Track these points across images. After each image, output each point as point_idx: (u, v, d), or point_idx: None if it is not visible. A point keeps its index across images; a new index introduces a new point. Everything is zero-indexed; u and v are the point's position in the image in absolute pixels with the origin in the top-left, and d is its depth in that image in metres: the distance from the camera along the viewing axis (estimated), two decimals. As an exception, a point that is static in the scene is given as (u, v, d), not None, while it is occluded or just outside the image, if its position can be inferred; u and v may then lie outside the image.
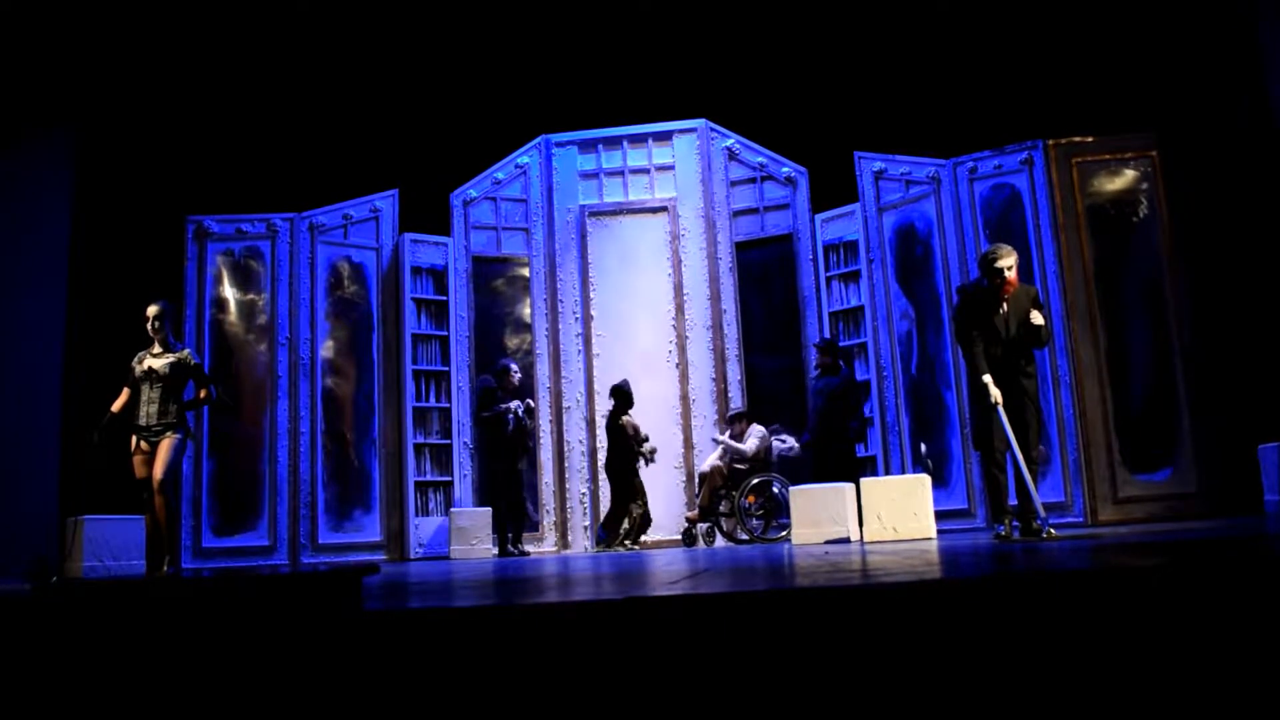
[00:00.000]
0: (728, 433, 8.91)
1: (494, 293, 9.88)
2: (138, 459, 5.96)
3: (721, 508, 8.68)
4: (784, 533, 8.25)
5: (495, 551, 8.63)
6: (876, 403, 8.80)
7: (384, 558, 8.77)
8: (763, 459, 8.70)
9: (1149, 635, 2.20)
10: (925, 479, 6.92)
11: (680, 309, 9.56)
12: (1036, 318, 5.36)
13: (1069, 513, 7.45)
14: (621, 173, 10.01)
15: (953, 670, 2.19)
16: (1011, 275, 5.37)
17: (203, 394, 6.19)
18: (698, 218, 9.80)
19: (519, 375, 9.05)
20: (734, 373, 9.59)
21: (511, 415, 8.75)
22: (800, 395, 9.13)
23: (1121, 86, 8.01)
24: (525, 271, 9.91)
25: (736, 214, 9.88)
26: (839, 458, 8.24)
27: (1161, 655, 2.17)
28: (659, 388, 9.44)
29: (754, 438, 8.72)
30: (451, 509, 8.91)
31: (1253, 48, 7.30)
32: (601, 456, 9.21)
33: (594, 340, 9.47)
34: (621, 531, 8.64)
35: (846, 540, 6.99)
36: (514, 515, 8.79)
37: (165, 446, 5.90)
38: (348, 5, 9.08)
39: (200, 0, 8.57)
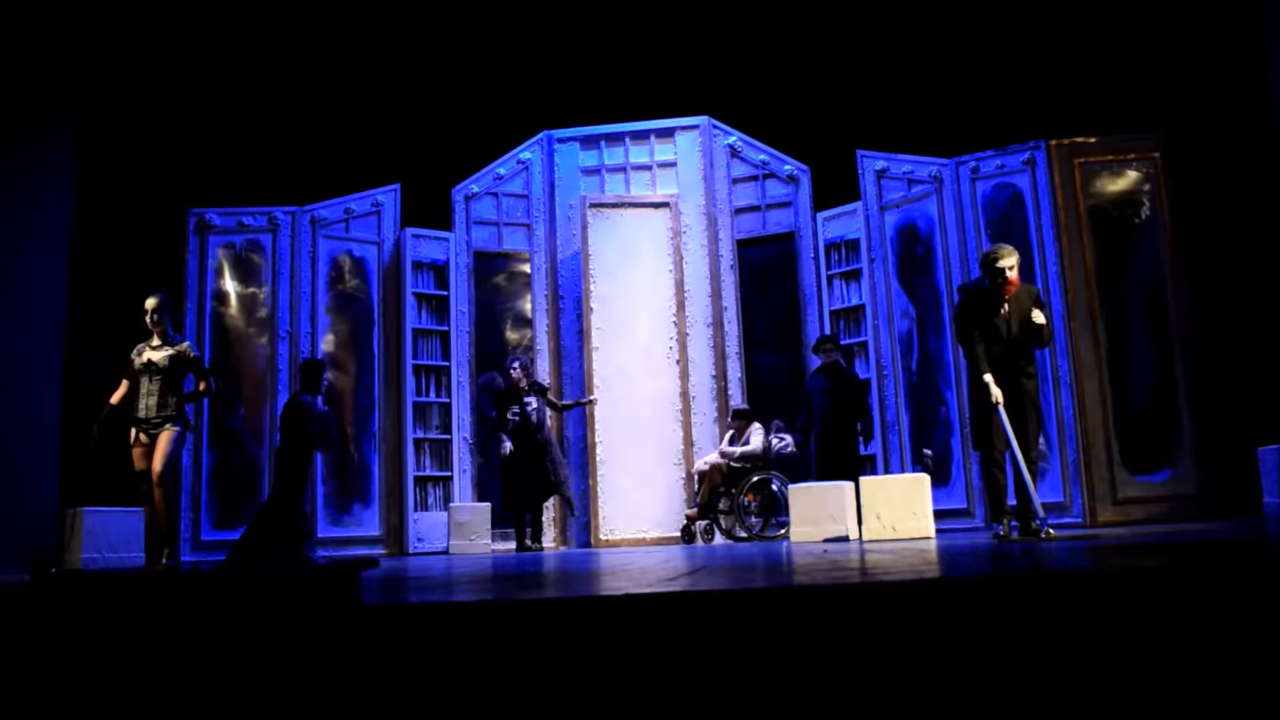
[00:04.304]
0: (729, 434, 8.88)
1: (495, 288, 9.88)
2: (137, 451, 5.97)
3: (720, 505, 8.68)
4: (783, 531, 8.25)
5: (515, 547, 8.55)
6: (877, 401, 8.79)
7: (383, 552, 8.77)
8: (762, 457, 8.69)
9: (1147, 636, 2.21)
10: (924, 478, 6.91)
11: (681, 306, 9.55)
12: (1038, 317, 5.35)
13: (1068, 513, 7.44)
14: (623, 169, 10.00)
15: (951, 669, 2.19)
16: (1013, 275, 5.37)
17: (202, 386, 6.19)
18: (699, 214, 9.79)
19: (515, 372, 8.84)
20: (734, 370, 9.59)
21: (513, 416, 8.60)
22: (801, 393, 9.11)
23: (1124, 88, 8.01)
24: (526, 267, 9.91)
25: (738, 211, 9.88)
26: (846, 456, 8.20)
27: (1159, 656, 2.17)
28: (659, 384, 9.43)
29: (757, 434, 8.70)
30: (450, 504, 8.91)
31: (1255, 50, 7.30)
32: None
33: (594, 335, 9.45)
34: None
35: (845, 539, 6.99)
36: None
37: (164, 439, 5.91)
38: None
39: (203, -7, 8.58)
